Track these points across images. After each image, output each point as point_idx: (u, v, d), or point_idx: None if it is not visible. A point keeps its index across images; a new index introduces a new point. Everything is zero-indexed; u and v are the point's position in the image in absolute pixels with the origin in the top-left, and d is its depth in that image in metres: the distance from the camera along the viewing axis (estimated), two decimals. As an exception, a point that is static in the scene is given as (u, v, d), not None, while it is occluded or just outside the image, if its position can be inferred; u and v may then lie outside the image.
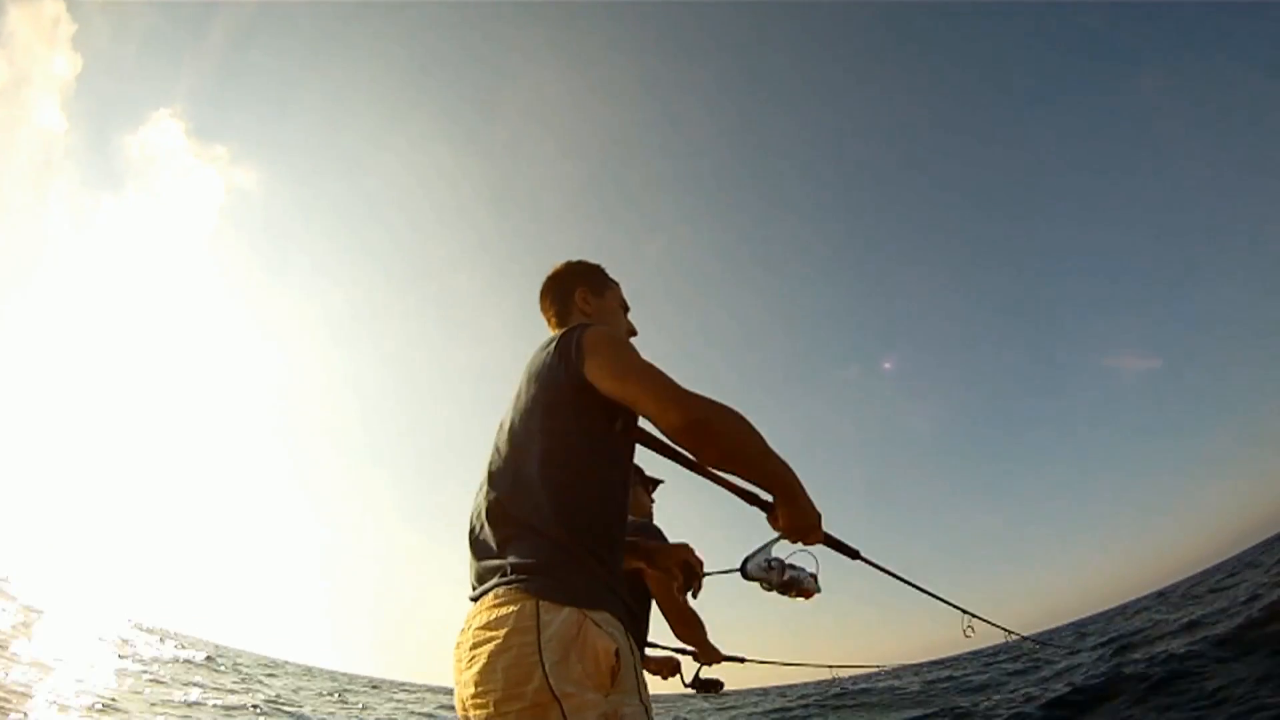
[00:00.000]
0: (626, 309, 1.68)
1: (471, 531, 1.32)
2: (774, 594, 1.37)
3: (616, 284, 1.67)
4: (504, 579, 1.17)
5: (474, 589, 1.25)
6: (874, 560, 1.72)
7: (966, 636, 2.01)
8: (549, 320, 1.62)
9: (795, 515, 1.19)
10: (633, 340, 1.37)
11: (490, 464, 1.35)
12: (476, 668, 1.11)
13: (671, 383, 1.17)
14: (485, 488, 1.32)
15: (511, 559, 1.19)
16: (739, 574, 1.35)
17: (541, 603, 1.11)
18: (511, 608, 1.12)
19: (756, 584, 1.36)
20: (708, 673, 2.42)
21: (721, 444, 1.13)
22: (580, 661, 1.08)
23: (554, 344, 1.33)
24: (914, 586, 2.02)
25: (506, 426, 1.35)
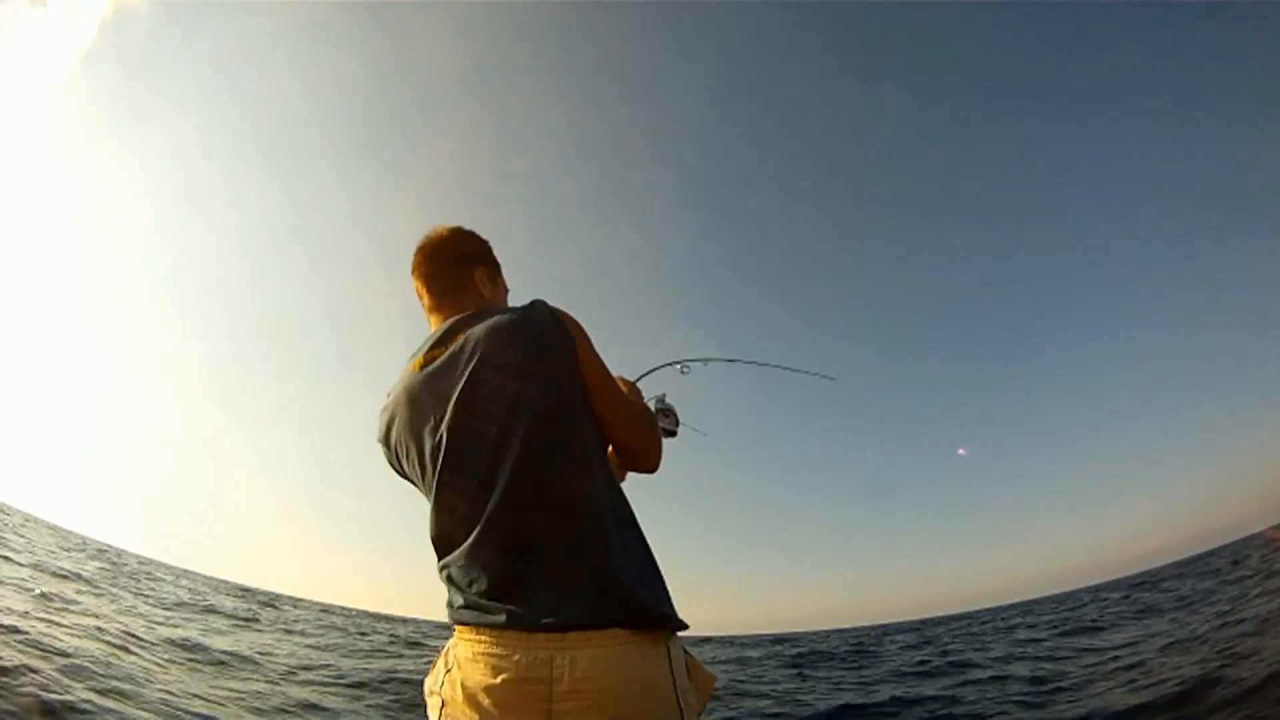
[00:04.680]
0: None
1: (507, 549, 1.04)
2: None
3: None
4: (614, 611, 1.01)
5: (521, 612, 1.01)
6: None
7: (683, 373, 2.18)
8: (430, 288, 1.30)
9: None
10: None
11: (505, 459, 1.05)
12: (614, 711, 0.97)
13: (646, 409, 1.34)
14: (518, 498, 1.04)
15: (616, 586, 1.02)
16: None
17: (669, 637, 1.07)
18: (643, 645, 1.02)
19: None
20: None
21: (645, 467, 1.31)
22: (694, 686, 1.10)
23: (550, 315, 1.14)
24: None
25: (517, 408, 1.06)
